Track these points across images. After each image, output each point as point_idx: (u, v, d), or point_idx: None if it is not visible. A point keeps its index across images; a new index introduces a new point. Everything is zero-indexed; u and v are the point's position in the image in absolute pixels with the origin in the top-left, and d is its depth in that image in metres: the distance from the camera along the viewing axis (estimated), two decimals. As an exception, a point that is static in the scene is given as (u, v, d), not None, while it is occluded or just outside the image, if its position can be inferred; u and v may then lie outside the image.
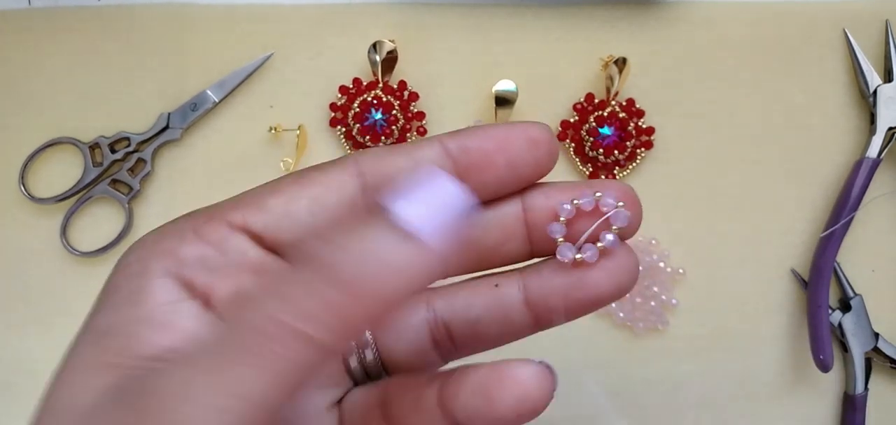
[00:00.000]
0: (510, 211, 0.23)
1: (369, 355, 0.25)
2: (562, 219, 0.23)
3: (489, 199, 0.23)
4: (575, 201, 0.23)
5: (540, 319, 0.24)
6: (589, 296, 0.23)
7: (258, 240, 0.22)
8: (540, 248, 0.24)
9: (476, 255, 0.24)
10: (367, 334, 0.25)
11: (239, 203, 0.22)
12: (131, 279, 0.21)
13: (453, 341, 0.24)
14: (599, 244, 0.23)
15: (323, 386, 0.24)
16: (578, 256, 0.23)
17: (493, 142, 0.22)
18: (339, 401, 0.25)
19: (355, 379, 0.25)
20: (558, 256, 0.23)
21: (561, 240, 0.23)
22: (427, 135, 0.22)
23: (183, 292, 0.21)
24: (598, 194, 0.23)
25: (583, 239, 0.23)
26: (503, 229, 0.23)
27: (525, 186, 0.23)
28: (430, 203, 0.18)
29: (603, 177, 0.42)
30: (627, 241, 0.23)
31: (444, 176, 0.19)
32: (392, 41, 0.42)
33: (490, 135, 0.22)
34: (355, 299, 0.18)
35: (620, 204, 0.22)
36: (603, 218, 0.23)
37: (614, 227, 0.23)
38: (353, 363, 0.25)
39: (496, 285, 0.24)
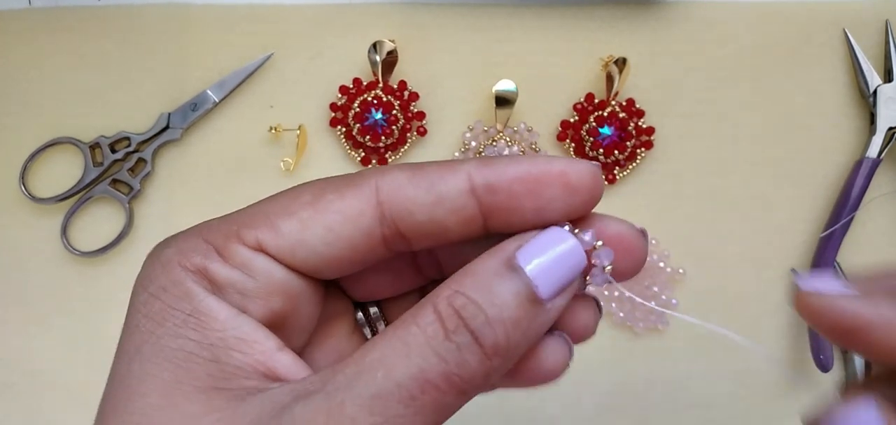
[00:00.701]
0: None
1: (381, 325, 0.26)
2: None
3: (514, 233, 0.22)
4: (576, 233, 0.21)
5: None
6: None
7: (274, 260, 0.22)
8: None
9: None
10: (375, 311, 0.26)
11: (252, 221, 0.22)
12: (180, 302, 0.21)
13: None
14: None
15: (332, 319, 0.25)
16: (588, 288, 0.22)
17: (523, 186, 0.20)
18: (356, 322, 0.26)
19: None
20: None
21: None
22: (458, 159, 0.21)
23: (233, 308, 0.21)
24: (599, 243, 0.21)
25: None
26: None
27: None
28: (555, 266, 0.20)
29: (603, 177, 0.42)
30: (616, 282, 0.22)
31: (569, 239, 0.20)
32: (392, 41, 0.42)
33: (522, 176, 0.20)
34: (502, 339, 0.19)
35: (607, 266, 0.21)
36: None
37: (591, 279, 0.21)
38: (369, 335, 0.26)
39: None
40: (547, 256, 0.20)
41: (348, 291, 0.25)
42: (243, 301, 0.21)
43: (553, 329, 0.21)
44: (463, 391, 0.19)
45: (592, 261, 0.21)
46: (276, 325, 0.22)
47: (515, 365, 0.21)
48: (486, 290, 0.19)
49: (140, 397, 0.20)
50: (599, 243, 0.21)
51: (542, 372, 0.21)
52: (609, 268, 0.21)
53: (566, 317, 0.22)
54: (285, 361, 0.21)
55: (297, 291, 0.22)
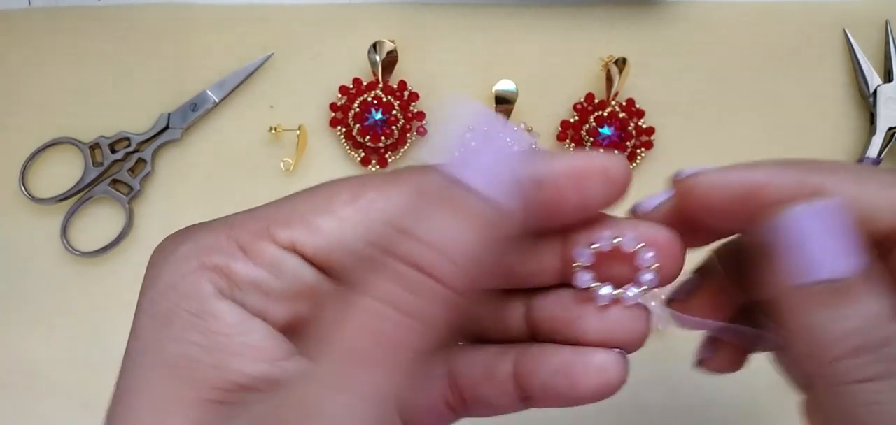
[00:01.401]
0: (549, 245, 0.22)
1: None
2: (594, 246, 0.21)
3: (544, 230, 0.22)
4: (616, 240, 0.21)
5: (536, 336, 0.23)
6: (575, 336, 0.22)
7: (307, 260, 0.20)
8: (568, 280, 0.23)
9: (505, 281, 0.23)
10: None
11: (287, 219, 0.21)
12: (188, 301, 0.20)
13: (462, 331, 0.24)
14: (618, 291, 0.22)
15: None
16: (618, 292, 0.22)
17: (569, 179, 0.20)
18: None
19: None
20: (597, 298, 0.22)
21: (578, 265, 0.22)
22: (415, 151, 0.22)
23: (245, 312, 0.20)
24: (640, 245, 0.21)
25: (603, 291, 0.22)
26: (539, 262, 0.22)
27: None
28: (489, 159, 0.19)
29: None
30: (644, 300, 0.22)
31: (500, 126, 0.19)
32: (392, 41, 0.42)
33: (567, 170, 0.21)
34: (449, 266, 0.18)
35: (654, 266, 0.21)
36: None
37: (642, 286, 0.21)
38: None
39: None
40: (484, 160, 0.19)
41: None
42: (264, 303, 0.20)
43: (600, 343, 0.22)
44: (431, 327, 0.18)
45: (637, 264, 0.21)
46: (299, 331, 0.21)
47: (563, 372, 0.22)
48: (408, 211, 0.19)
49: (132, 414, 0.19)
50: (641, 245, 0.21)
51: (590, 386, 0.22)
52: (655, 265, 0.21)
53: (611, 324, 0.22)
54: (291, 369, 0.20)
55: (327, 295, 0.21)
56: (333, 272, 0.21)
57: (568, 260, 0.22)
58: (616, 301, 0.22)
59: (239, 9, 0.44)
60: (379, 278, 0.18)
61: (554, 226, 0.21)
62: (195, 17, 0.44)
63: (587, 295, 0.22)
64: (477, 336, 0.24)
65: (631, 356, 0.43)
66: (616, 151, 0.42)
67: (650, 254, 0.21)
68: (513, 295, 0.24)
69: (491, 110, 0.19)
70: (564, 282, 0.23)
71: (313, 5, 0.44)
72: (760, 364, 0.42)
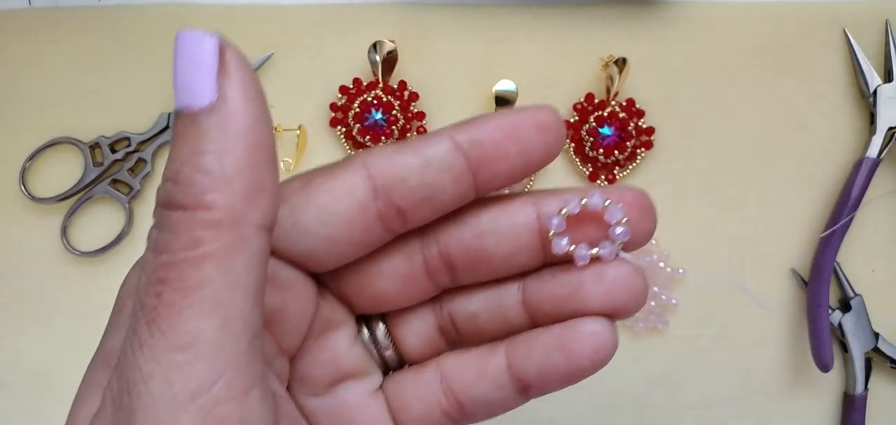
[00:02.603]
0: (523, 220, 0.23)
1: (388, 351, 0.25)
2: (563, 211, 0.22)
3: (499, 187, 0.23)
4: (583, 200, 0.22)
5: (537, 321, 0.23)
6: (578, 307, 0.22)
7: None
8: (553, 260, 0.23)
9: (489, 266, 0.23)
10: (382, 328, 0.25)
11: None
12: (132, 297, 0.20)
13: (458, 332, 0.25)
14: (594, 250, 0.22)
15: (357, 377, 0.24)
16: (595, 251, 0.22)
17: (503, 133, 0.21)
18: (381, 387, 0.25)
19: (387, 366, 0.25)
20: (575, 258, 0.22)
21: (553, 233, 0.22)
22: (435, 130, 0.22)
23: None
24: (607, 201, 0.22)
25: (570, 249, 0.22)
26: (516, 239, 0.23)
27: (533, 172, 0.23)
28: (183, 74, 0.19)
29: (603, 177, 0.42)
30: (634, 260, 0.23)
31: (190, 35, 0.19)
32: (392, 41, 0.42)
33: (500, 125, 0.22)
34: (196, 189, 0.18)
35: (624, 220, 0.22)
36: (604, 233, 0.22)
37: (615, 241, 0.22)
38: (374, 354, 0.25)
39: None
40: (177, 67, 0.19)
41: (352, 300, 0.24)
42: None
43: (587, 312, 0.22)
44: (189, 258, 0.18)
45: (606, 219, 0.22)
46: (264, 320, 0.21)
47: (558, 347, 0.22)
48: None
49: (76, 415, 0.20)
50: (607, 202, 0.22)
51: (586, 354, 0.22)
52: (625, 219, 0.22)
53: (611, 285, 0.22)
54: None
55: (287, 283, 0.22)
56: (291, 258, 0.22)
57: (546, 236, 0.23)
58: (595, 259, 0.22)
59: (239, 8, 0.44)
60: (156, 235, 0.18)
61: (501, 184, 0.22)
62: (195, 17, 0.44)
63: (567, 258, 0.22)
64: (474, 333, 0.24)
65: (631, 355, 0.43)
66: (615, 151, 0.42)
67: (618, 208, 0.22)
68: (505, 284, 0.24)
69: (185, 31, 0.20)
70: (549, 261, 0.23)
71: (313, 5, 0.44)
72: (760, 364, 0.42)
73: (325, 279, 0.23)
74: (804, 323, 0.41)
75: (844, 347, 0.41)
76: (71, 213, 0.42)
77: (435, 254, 0.23)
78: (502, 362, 0.23)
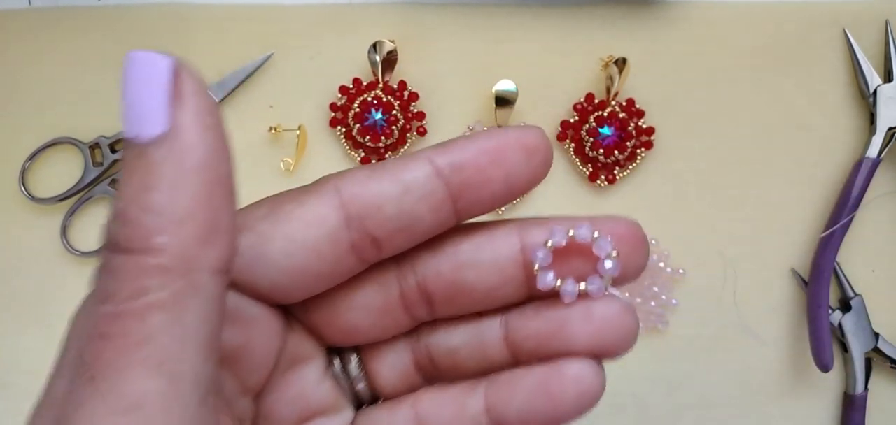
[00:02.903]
0: (507, 252, 0.21)
1: (360, 385, 0.24)
2: (550, 242, 0.21)
3: (480, 214, 0.21)
4: (571, 232, 0.21)
5: (519, 359, 0.22)
6: (564, 347, 0.21)
7: (230, 285, 0.19)
8: (538, 294, 0.21)
9: (469, 300, 0.22)
10: (354, 360, 0.24)
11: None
12: (80, 341, 0.18)
13: (436, 367, 0.23)
14: (582, 285, 0.21)
15: (327, 413, 0.23)
16: (582, 286, 0.20)
17: (487, 157, 0.20)
18: (352, 423, 0.24)
19: (360, 400, 0.24)
20: (562, 294, 0.21)
21: (538, 267, 0.21)
22: (414, 150, 0.22)
23: None
24: (596, 233, 0.21)
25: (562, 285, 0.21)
26: (499, 272, 0.21)
27: (517, 197, 0.21)
28: (132, 102, 0.16)
29: (603, 177, 0.42)
30: (624, 296, 0.21)
31: (141, 56, 0.16)
32: (392, 41, 0.42)
33: (483, 149, 0.20)
34: (143, 230, 0.16)
35: (614, 253, 0.20)
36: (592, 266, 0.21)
37: (604, 276, 0.20)
38: (345, 387, 0.24)
39: None
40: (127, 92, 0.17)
41: (322, 332, 0.23)
42: None
43: (574, 353, 0.21)
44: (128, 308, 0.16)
45: (595, 252, 0.21)
46: (224, 360, 0.20)
47: (540, 391, 0.20)
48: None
49: None
50: (596, 234, 0.21)
51: (569, 399, 0.20)
52: (615, 253, 0.20)
53: (599, 325, 0.21)
54: None
55: (250, 319, 0.20)
56: (257, 292, 0.20)
57: (530, 269, 0.21)
58: (583, 295, 0.20)
59: (239, 8, 0.44)
60: (100, 281, 0.17)
61: (484, 211, 0.21)
62: (195, 17, 0.44)
63: (553, 293, 0.21)
64: (453, 370, 0.23)
65: (631, 355, 0.43)
66: (615, 151, 0.42)
67: (607, 240, 0.20)
68: (487, 318, 0.22)
69: (137, 51, 0.17)
70: (533, 295, 0.22)
71: (313, 5, 0.44)
72: (760, 364, 0.42)
73: (294, 310, 0.22)
74: (804, 324, 0.41)
75: (844, 347, 0.41)
76: (71, 213, 0.42)
77: (412, 286, 0.22)
78: (481, 403, 0.22)
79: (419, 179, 0.20)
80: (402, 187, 0.20)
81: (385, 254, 0.21)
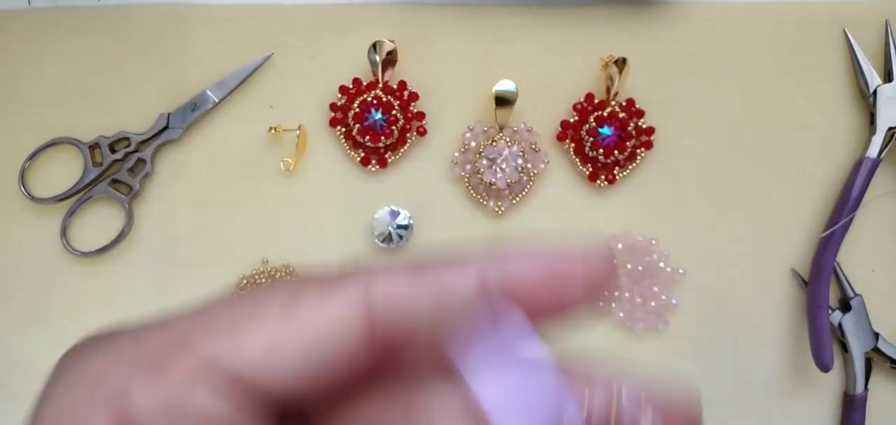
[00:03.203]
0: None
1: None
2: (585, 407, 0.17)
3: None
4: (614, 397, 0.17)
5: None
6: None
7: (235, 381, 0.16)
8: None
9: None
10: None
11: (210, 327, 0.17)
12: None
13: None
14: None
15: None
16: None
17: (545, 287, 0.17)
18: None
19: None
20: None
21: None
22: (460, 252, 0.18)
23: None
24: (643, 406, 0.17)
25: None
26: None
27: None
28: (519, 395, 0.14)
29: (602, 177, 0.42)
30: None
31: (547, 369, 0.15)
32: (392, 41, 0.42)
33: (545, 276, 0.17)
34: None
35: None
36: None
37: None
38: None
39: None
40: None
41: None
42: None
43: None
44: None
45: None
46: None
47: None
48: None
49: None
50: (643, 407, 0.17)
51: None
52: None
53: None
54: None
55: None
56: (256, 397, 0.17)
57: None
58: None
59: (239, 8, 0.44)
60: None
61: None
62: (195, 17, 0.44)
63: None
64: None
65: (631, 355, 0.43)
66: (615, 151, 0.42)
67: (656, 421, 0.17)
68: None
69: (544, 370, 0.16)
70: None
71: (313, 5, 0.44)
72: (760, 364, 0.42)
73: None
74: (804, 323, 0.41)
75: (844, 347, 0.41)
76: (70, 213, 0.42)
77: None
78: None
79: (460, 298, 0.17)
80: (442, 305, 0.17)
81: (405, 361, 0.18)
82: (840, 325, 0.41)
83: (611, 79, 0.42)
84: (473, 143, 0.42)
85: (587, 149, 0.42)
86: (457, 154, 0.43)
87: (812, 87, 0.43)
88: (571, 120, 0.43)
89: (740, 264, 0.42)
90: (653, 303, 0.42)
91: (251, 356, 0.16)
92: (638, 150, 0.42)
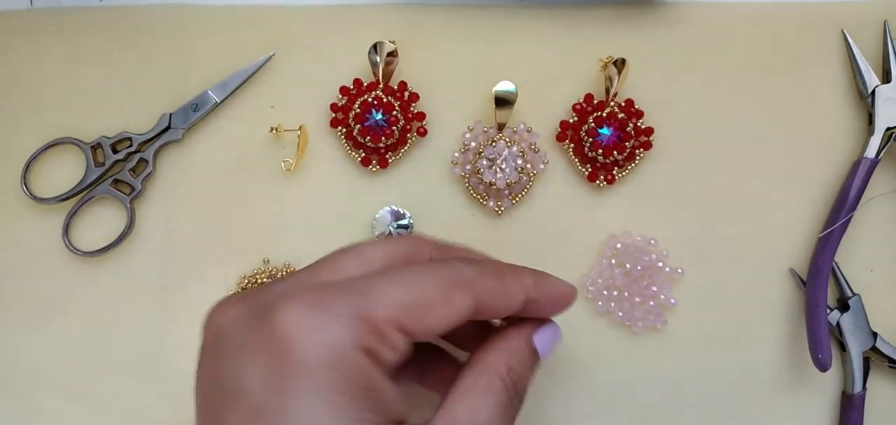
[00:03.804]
0: None
1: None
2: None
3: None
4: None
5: None
6: None
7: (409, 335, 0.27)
8: None
9: None
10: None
11: (405, 313, 0.26)
12: (358, 375, 0.25)
13: None
14: None
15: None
16: None
17: (553, 304, 0.31)
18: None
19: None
20: None
21: None
22: (523, 266, 0.31)
23: (399, 391, 0.27)
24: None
25: None
26: None
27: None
28: (551, 341, 0.32)
29: (602, 177, 0.43)
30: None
31: (557, 329, 0.32)
32: (392, 42, 0.43)
33: (563, 295, 0.32)
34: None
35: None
36: None
37: None
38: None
39: None
40: (547, 337, 0.32)
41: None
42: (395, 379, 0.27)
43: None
44: None
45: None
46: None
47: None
48: (523, 363, 0.30)
49: None
50: None
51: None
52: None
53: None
54: None
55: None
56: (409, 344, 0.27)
57: None
58: None
59: (240, 9, 0.44)
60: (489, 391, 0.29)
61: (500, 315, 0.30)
62: (197, 18, 0.44)
63: None
64: None
65: (630, 355, 0.43)
66: (615, 152, 0.42)
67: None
68: None
69: None
70: None
71: (314, 6, 0.44)
72: (759, 364, 0.42)
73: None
74: (802, 323, 0.42)
75: (843, 347, 0.41)
76: (72, 213, 0.43)
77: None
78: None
79: (517, 301, 0.30)
80: (508, 304, 0.30)
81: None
82: (838, 325, 0.41)
83: (610, 79, 0.42)
84: (473, 144, 0.43)
85: (586, 149, 0.42)
86: (457, 154, 0.43)
87: (810, 87, 0.44)
88: (571, 120, 0.43)
89: (739, 264, 0.43)
90: (652, 303, 0.42)
91: (423, 327, 0.27)
92: (637, 151, 0.42)
